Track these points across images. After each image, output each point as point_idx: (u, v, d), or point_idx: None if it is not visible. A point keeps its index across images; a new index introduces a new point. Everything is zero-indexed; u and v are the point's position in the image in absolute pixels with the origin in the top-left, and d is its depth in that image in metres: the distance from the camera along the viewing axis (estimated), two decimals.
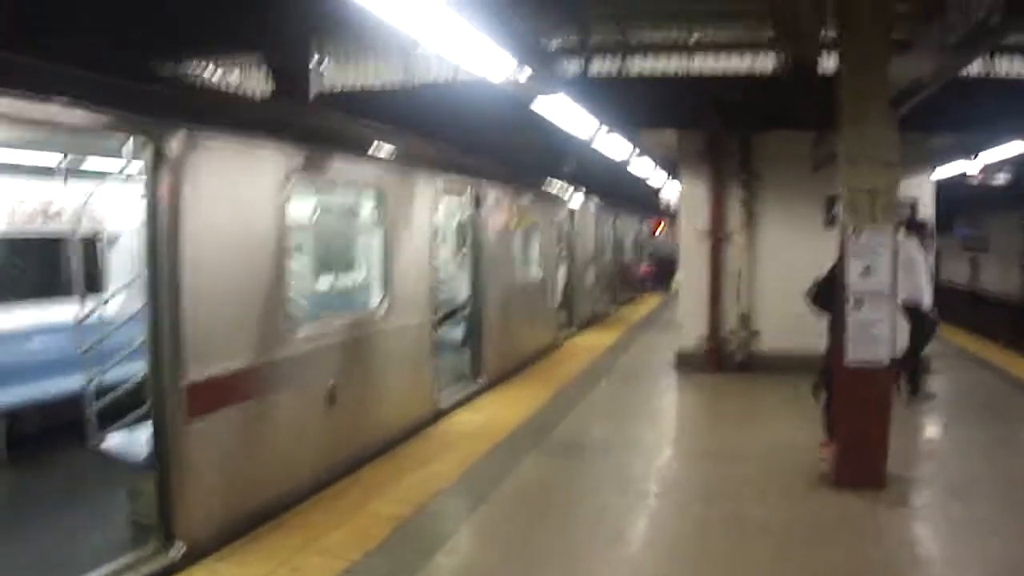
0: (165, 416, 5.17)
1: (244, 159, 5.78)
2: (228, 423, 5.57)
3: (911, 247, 9.89)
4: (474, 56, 6.77)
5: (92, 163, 7.77)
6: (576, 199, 16.58)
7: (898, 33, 6.61)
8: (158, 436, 5.21)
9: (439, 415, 8.99)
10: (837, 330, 6.81)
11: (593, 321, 18.05)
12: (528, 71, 7.30)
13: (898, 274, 9.70)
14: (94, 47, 6.42)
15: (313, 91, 14.15)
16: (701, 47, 12.17)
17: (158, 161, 5.05)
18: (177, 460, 5.18)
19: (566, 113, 9.72)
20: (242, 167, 5.76)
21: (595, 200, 18.36)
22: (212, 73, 15.59)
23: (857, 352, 6.61)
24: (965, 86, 9.49)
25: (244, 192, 5.78)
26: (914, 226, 10.26)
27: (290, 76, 14.11)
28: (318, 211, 10.69)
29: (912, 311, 9.84)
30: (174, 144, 5.07)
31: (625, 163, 15.73)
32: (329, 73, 14.58)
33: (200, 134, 5.28)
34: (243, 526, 5.58)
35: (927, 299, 9.80)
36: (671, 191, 22.66)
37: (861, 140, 6.56)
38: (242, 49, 14.28)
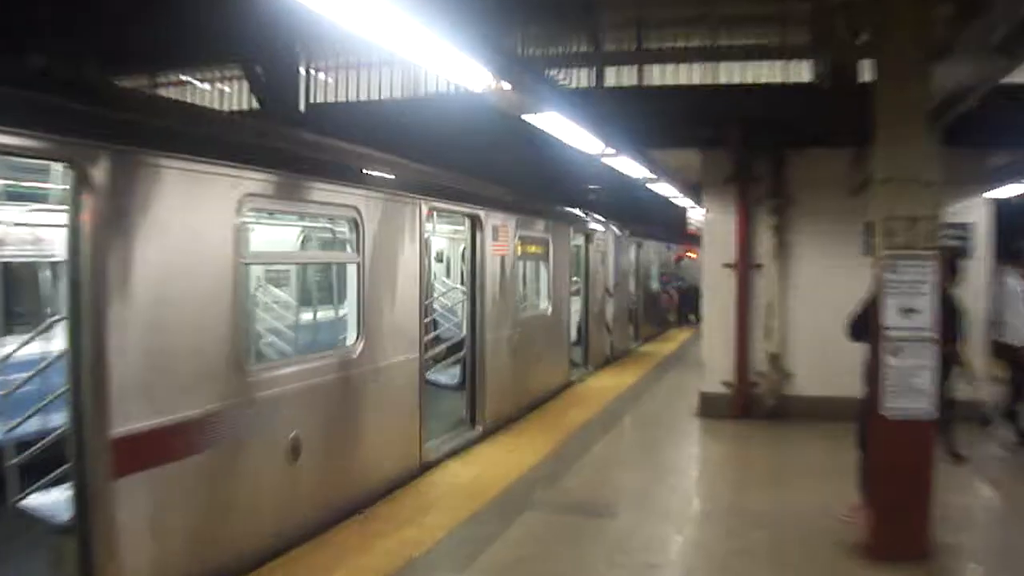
0: (87, 474, 4.89)
1: (186, 183, 5.52)
2: (164, 482, 5.29)
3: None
4: (459, 67, 6.62)
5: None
6: (592, 224, 16.31)
7: (937, 35, 6.28)
8: (79, 496, 4.93)
9: (426, 468, 8.70)
10: (872, 376, 6.45)
11: (612, 360, 17.73)
12: (519, 83, 7.06)
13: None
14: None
15: (302, 104, 14.10)
16: (727, 55, 11.89)
17: (81, 186, 4.82)
18: (101, 524, 4.91)
19: (573, 131, 9.51)
20: (184, 192, 5.50)
21: (614, 225, 18.08)
22: (194, 87, 15.62)
23: (895, 402, 6.24)
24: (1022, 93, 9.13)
25: (186, 220, 5.52)
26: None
27: (277, 88, 14.06)
28: (302, 240, 10.58)
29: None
30: (98, 168, 4.83)
31: (647, 183, 15.48)
32: (322, 84, 14.51)
33: (131, 156, 5.07)
34: None
35: None
36: (699, 213, 22.39)
37: (896, 158, 6.22)
38: (222, 60, 14.24)
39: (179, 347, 5.46)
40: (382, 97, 13.86)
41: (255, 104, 14.09)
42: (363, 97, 14.16)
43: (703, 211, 12.65)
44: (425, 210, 8.75)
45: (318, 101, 14.32)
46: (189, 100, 15.01)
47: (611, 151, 10.96)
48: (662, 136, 11.78)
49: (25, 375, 6.94)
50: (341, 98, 14.35)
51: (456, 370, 11.57)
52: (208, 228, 5.74)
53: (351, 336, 7.73)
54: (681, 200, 20.81)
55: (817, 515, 7.30)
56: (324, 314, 10.83)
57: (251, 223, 7.10)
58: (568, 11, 11.24)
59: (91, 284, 4.85)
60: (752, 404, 11.69)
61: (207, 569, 5.60)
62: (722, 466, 9.99)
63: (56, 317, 5.88)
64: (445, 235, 14.48)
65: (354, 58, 13.92)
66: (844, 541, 6.61)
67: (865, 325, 6.62)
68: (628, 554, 6.49)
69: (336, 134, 8.10)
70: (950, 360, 7.26)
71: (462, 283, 12.89)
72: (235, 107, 15.15)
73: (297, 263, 10.82)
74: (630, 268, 20.62)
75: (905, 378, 6.23)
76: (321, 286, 11.34)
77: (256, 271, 9.25)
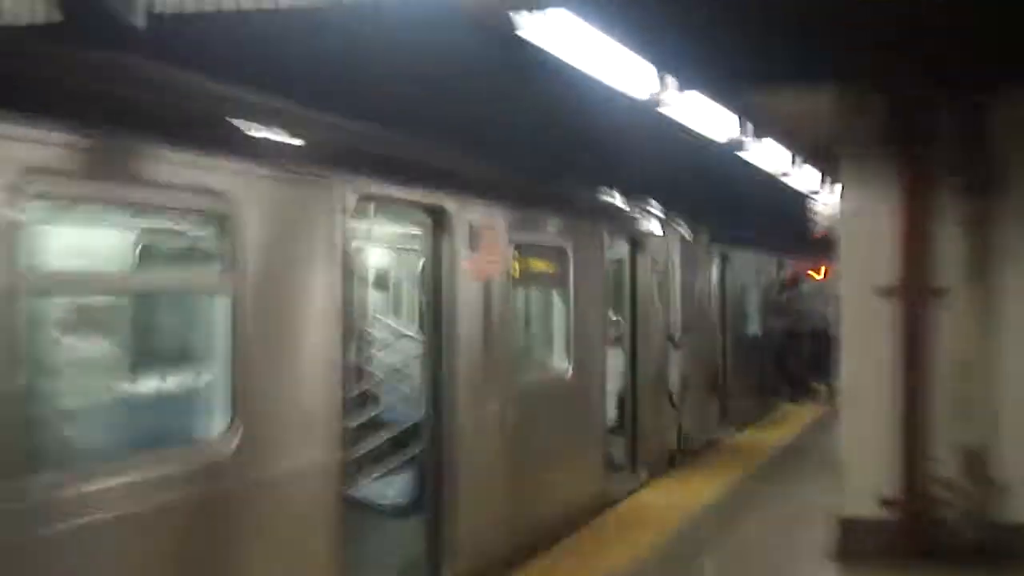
0: None
1: None
2: None
3: None
4: None
5: None
6: (643, 222, 16.25)
7: None
8: None
9: None
10: None
11: (681, 457, 17.84)
12: None
13: None
14: None
15: (135, 15, 13.96)
16: None
17: None
18: None
19: (602, 52, 9.42)
20: None
21: (680, 224, 17.99)
22: None
23: None
24: None
25: None
26: None
27: None
28: (138, 251, 10.39)
29: None
30: None
31: (737, 150, 15.35)
32: None
33: None
34: None
35: None
36: (831, 201, 22.35)
37: None
38: None
39: None
40: (274, 5, 13.76)
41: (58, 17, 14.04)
42: (243, 5, 14.07)
43: (838, 197, 12.50)
44: (352, 198, 8.70)
45: (164, 12, 14.23)
46: None
47: (671, 90, 10.78)
48: (765, 62, 11.58)
49: None
50: (205, 6, 14.27)
51: (408, 477, 11.55)
52: None
53: (219, 421, 7.61)
54: (797, 179, 20.75)
55: None
56: (172, 382, 10.62)
57: (41, 222, 6.86)
58: None
59: None
60: (934, 536, 11.56)
61: None
62: None
63: None
64: (389, 243, 14.33)
65: None
66: None
67: None
68: None
69: (194, 65, 8.21)
70: None
71: (420, 327, 12.69)
72: (23, 22, 15.07)
73: (121, 292, 10.59)
74: (711, 298, 20.61)
75: None
76: (169, 332, 11.16)
77: (51, 307, 9.03)
